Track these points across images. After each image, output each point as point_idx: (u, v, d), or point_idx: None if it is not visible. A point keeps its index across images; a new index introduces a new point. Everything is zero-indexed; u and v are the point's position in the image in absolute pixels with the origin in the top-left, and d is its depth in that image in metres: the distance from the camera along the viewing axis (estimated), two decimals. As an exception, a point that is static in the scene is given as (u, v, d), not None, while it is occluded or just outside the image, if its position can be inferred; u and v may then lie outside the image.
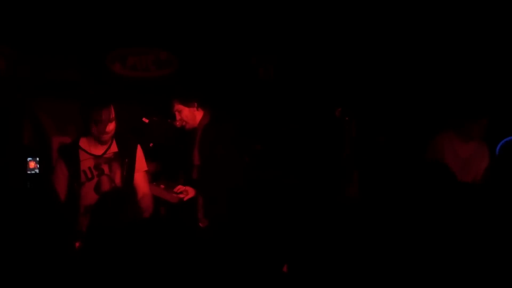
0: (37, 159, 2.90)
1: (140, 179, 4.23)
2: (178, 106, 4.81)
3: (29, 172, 2.86)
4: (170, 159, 5.29)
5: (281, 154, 5.90)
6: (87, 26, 5.79)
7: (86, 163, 4.05)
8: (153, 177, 6.06)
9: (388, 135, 5.76)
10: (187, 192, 4.82)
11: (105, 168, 4.11)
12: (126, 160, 4.14)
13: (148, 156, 6.01)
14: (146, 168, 4.31)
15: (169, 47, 6.21)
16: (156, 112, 4.97)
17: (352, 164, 5.08)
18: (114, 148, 4.16)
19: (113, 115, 4.01)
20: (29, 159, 2.91)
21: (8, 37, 5.73)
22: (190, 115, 4.83)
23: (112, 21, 5.83)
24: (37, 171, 2.87)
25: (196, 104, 4.82)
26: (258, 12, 6.10)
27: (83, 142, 4.08)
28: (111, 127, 4.03)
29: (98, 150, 4.11)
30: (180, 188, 4.81)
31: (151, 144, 4.78)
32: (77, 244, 3.11)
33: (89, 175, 4.06)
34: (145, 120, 4.84)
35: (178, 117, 4.83)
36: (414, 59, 6.11)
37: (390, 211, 2.17)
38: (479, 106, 4.91)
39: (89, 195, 3.98)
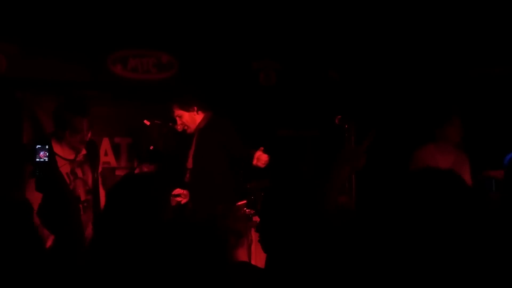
0: (46, 147, 2.89)
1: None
2: (178, 112, 4.81)
3: (38, 160, 2.86)
4: (169, 162, 5.29)
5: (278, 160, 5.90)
6: (89, 26, 5.79)
7: (64, 169, 3.88)
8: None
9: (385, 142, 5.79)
10: (185, 195, 4.82)
11: (78, 172, 3.97)
12: (95, 162, 4.01)
13: (148, 159, 6.03)
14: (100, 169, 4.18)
15: (170, 50, 6.22)
16: (157, 115, 4.96)
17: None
18: (83, 150, 4.01)
19: (89, 124, 3.89)
20: (38, 146, 2.90)
21: (9, 36, 5.72)
22: (190, 120, 4.83)
23: (114, 23, 5.83)
24: (46, 159, 2.86)
25: (196, 108, 4.82)
26: (260, 17, 6.11)
27: (57, 148, 3.83)
28: (88, 136, 3.93)
29: (70, 155, 3.96)
30: (178, 191, 4.81)
31: (151, 147, 4.78)
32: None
33: (68, 181, 3.90)
34: (147, 122, 4.83)
35: (179, 121, 4.83)
36: (408, 64, 6.23)
37: (384, 222, 2.12)
38: (447, 108, 5.03)
39: None
